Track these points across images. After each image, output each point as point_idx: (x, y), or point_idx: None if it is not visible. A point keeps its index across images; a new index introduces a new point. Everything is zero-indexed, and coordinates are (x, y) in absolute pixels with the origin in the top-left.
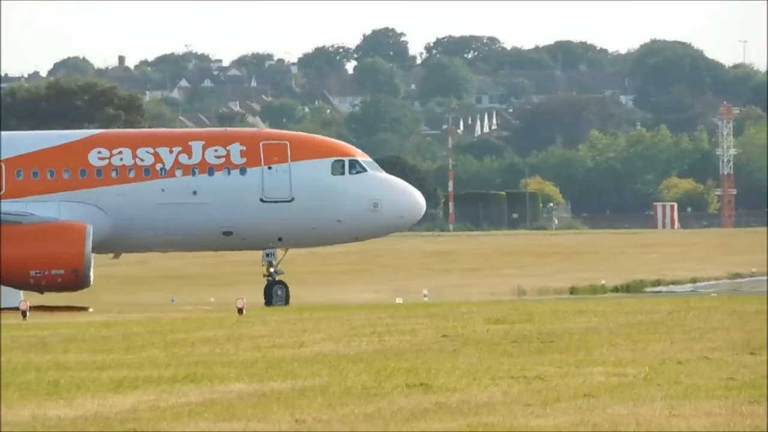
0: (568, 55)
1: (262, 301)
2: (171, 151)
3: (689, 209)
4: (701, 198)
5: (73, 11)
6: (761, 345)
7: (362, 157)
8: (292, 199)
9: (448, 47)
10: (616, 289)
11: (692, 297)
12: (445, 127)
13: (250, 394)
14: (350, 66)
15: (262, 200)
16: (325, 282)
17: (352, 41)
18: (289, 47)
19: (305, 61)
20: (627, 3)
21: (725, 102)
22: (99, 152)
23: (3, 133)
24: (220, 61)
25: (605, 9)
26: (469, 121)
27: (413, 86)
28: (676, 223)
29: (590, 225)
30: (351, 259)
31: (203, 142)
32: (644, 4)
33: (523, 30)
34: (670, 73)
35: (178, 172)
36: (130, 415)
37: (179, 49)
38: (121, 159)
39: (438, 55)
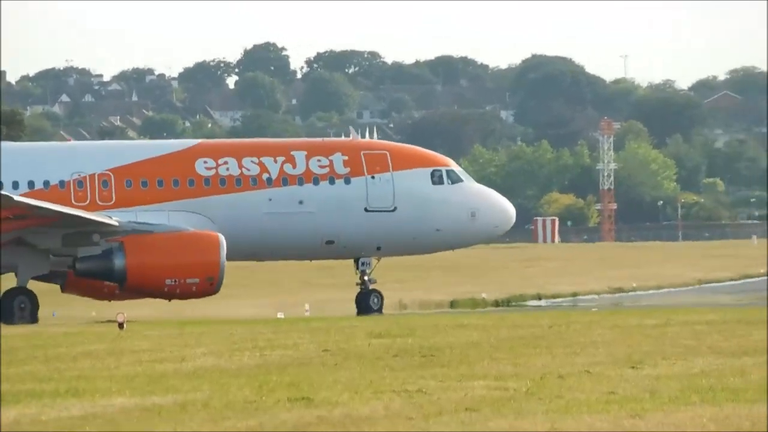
0: (449, 70)
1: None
2: (275, 161)
3: (570, 223)
4: (581, 212)
5: None
6: (641, 359)
7: (456, 167)
8: (395, 209)
9: (329, 62)
10: (497, 303)
11: (573, 311)
12: None
13: (132, 409)
14: (231, 80)
15: (366, 210)
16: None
17: (233, 56)
18: (170, 62)
19: (186, 75)
20: (508, 18)
21: (606, 117)
22: (205, 162)
23: (108, 142)
24: (100, 75)
25: (486, 24)
26: (351, 136)
27: (294, 101)
28: (557, 238)
29: None
30: (231, 274)
31: (305, 152)
32: (525, 19)
33: (404, 45)
34: (551, 88)
35: (285, 182)
36: (12, 428)
37: (60, 64)
38: (228, 169)
39: (319, 70)
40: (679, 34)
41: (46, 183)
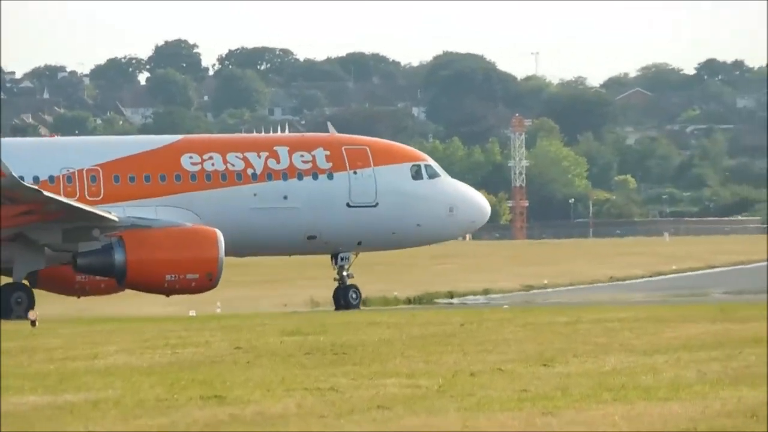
0: (361, 67)
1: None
2: (259, 156)
3: None
4: (493, 210)
5: None
6: (553, 357)
7: (432, 162)
8: (377, 204)
9: (241, 59)
10: (408, 301)
11: (485, 309)
12: None
13: (44, 407)
14: (143, 77)
15: (348, 205)
16: (116, 295)
17: (145, 52)
18: (81, 59)
19: (98, 72)
20: (420, 15)
21: (517, 114)
22: (191, 157)
23: (96, 138)
24: (12, 73)
25: (398, 20)
26: (263, 133)
27: (206, 97)
28: (468, 235)
29: None
30: None
31: (288, 147)
32: (437, 16)
33: (316, 42)
34: (462, 86)
35: (269, 177)
36: None
37: None
38: (213, 164)
39: (231, 67)
40: (591, 30)
41: (36, 178)
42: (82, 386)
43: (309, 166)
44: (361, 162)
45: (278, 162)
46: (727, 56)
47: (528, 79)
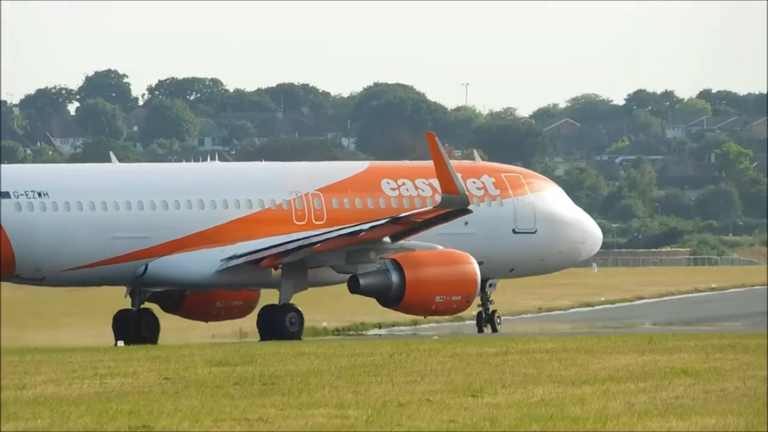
0: (290, 97)
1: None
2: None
3: None
4: None
5: None
6: (482, 387)
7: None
8: (536, 231)
9: (171, 89)
10: (337, 331)
11: (413, 339)
12: None
13: None
14: (72, 107)
15: (514, 231)
16: (43, 325)
17: (75, 83)
18: (10, 89)
19: (27, 102)
20: (350, 45)
21: (447, 144)
22: (388, 183)
23: (308, 163)
24: None
25: (327, 51)
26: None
27: (135, 127)
28: None
29: None
30: (69, 301)
31: (461, 174)
32: (367, 47)
33: (246, 72)
34: (392, 116)
35: None
36: None
37: None
38: (407, 189)
39: (160, 97)
40: (521, 61)
41: (273, 202)
42: (10, 416)
43: (482, 192)
44: (520, 189)
45: None
46: (656, 87)
47: (458, 109)
